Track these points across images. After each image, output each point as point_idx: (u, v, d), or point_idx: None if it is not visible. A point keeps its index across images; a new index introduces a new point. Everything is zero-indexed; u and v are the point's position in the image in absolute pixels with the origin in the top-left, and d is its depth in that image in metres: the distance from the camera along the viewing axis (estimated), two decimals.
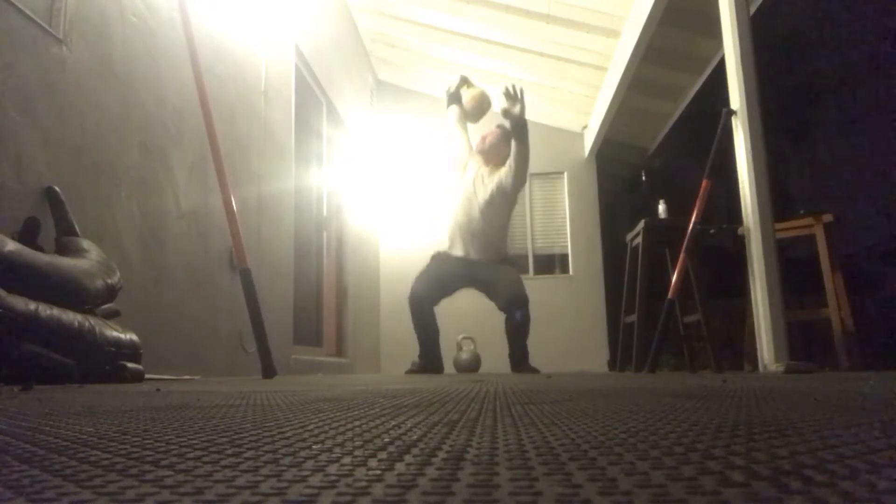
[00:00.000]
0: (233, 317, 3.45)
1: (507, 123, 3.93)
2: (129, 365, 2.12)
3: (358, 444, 0.50)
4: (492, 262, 3.93)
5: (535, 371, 3.73)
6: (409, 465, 0.40)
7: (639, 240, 4.20)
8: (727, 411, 0.77)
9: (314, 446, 0.49)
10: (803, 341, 4.38)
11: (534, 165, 7.10)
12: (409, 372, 3.97)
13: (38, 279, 1.91)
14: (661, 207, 4.50)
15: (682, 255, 3.59)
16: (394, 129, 7.81)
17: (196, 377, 2.88)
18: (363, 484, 0.34)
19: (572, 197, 7.60)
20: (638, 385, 1.62)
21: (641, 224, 4.19)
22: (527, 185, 7.59)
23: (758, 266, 3.19)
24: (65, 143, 2.34)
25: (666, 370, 5.09)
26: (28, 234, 2.08)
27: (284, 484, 0.34)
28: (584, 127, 7.46)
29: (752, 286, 3.26)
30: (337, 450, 0.47)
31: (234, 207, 2.93)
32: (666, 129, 7.12)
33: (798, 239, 3.90)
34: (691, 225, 3.56)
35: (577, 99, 6.96)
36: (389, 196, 7.69)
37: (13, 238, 1.96)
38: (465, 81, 4.22)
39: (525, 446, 0.47)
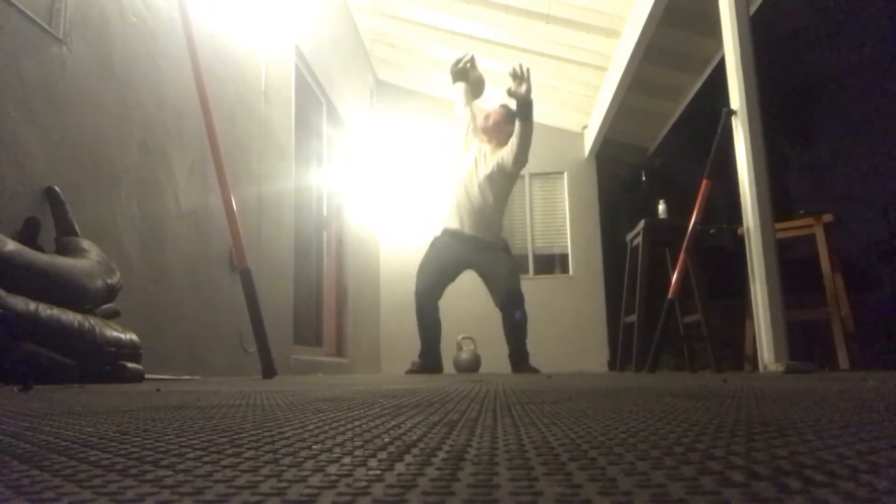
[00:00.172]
0: (233, 317, 3.45)
1: (511, 104, 3.94)
2: (129, 365, 2.12)
3: (358, 444, 0.50)
4: (488, 242, 3.94)
5: (535, 371, 3.73)
6: (409, 465, 0.40)
7: (639, 240, 4.20)
8: (727, 411, 0.77)
9: (314, 446, 0.49)
10: (803, 341, 4.38)
11: (534, 165, 7.13)
12: (410, 372, 3.97)
13: (38, 279, 1.91)
14: (661, 207, 4.50)
15: (682, 255, 3.59)
16: (394, 129, 7.81)
17: (196, 377, 2.88)
18: (363, 484, 0.34)
19: (572, 197, 7.60)
20: (638, 385, 1.62)
21: (641, 224, 4.19)
22: (527, 184, 7.64)
23: (758, 266, 3.19)
24: (65, 143, 2.34)
25: (666, 370, 5.09)
26: (28, 234, 2.08)
27: (284, 484, 0.34)
28: (584, 127, 7.46)
29: (752, 286, 3.26)
30: (337, 450, 0.47)
31: (234, 207, 2.93)
32: (666, 129, 7.13)
33: (798, 239, 3.90)
34: (691, 225, 3.56)
35: (577, 99, 6.96)
36: (389, 196, 7.69)
37: (13, 238, 1.96)
38: (474, 61, 4.22)
39: (525, 446, 0.47)
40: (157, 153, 2.94)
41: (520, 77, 3.77)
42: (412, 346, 4.07)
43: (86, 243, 2.26)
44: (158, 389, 1.58)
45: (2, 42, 2.08)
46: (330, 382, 2.21)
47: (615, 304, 6.03)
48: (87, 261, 2.17)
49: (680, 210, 4.31)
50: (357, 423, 0.68)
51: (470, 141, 4.11)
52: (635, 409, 0.80)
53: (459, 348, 6.09)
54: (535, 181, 7.70)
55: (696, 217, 3.54)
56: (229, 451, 0.47)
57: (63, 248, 2.19)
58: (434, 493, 0.31)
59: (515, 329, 3.85)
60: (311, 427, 0.64)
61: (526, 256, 7.51)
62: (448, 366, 5.12)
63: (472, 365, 5.92)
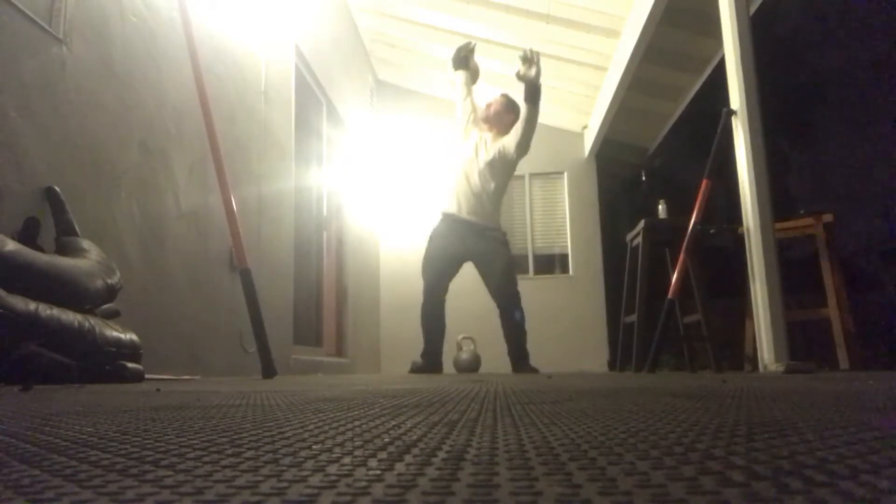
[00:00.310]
0: (233, 317, 3.45)
1: (510, 94, 4.01)
2: (129, 365, 2.12)
3: (358, 444, 0.50)
4: (485, 227, 3.94)
5: (534, 371, 3.73)
6: (409, 465, 0.40)
7: (639, 240, 4.20)
8: (727, 411, 0.77)
9: (314, 446, 0.49)
10: (803, 341, 4.38)
11: (534, 165, 7.14)
12: (413, 371, 3.97)
13: (38, 279, 1.91)
14: (661, 207, 4.50)
15: (682, 255, 3.59)
16: (394, 129, 7.81)
17: (196, 377, 2.88)
18: (363, 484, 0.34)
19: (572, 197, 7.59)
20: (638, 385, 1.62)
21: (641, 224, 4.19)
22: (527, 184, 7.64)
23: (758, 266, 3.19)
24: (65, 143, 2.34)
25: (666, 370, 5.09)
26: (28, 234, 2.08)
27: (284, 484, 0.34)
28: (584, 127, 7.46)
29: (752, 286, 3.26)
30: (337, 450, 0.47)
31: (234, 207, 2.93)
32: (666, 129, 7.13)
33: (798, 239, 3.90)
34: (691, 225, 3.56)
35: (577, 99, 6.96)
36: (389, 196, 7.69)
37: (13, 238, 1.96)
38: (472, 49, 4.23)
39: (525, 446, 0.47)
40: (157, 153, 2.94)
41: (530, 60, 3.81)
42: (412, 346, 4.06)
43: (86, 243, 2.26)
44: (158, 389, 1.58)
45: (2, 42, 2.08)
46: (330, 382, 2.21)
47: (615, 304, 6.03)
48: (87, 261, 2.17)
49: (680, 210, 4.31)
50: (357, 423, 0.68)
51: (470, 129, 4.12)
52: (635, 409, 0.80)
53: (459, 348, 6.09)
54: (535, 181, 7.69)
55: (696, 217, 3.54)
56: (229, 451, 0.47)
57: (63, 248, 2.19)
58: (434, 493, 0.31)
59: (514, 329, 3.85)
60: (311, 427, 0.64)
61: (526, 256, 7.51)
62: (448, 366, 5.12)
63: (472, 365, 5.92)
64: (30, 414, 0.85)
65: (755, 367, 3.71)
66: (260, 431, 0.60)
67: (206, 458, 0.43)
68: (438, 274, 3.95)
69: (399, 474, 0.37)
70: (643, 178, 7.01)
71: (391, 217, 7.66)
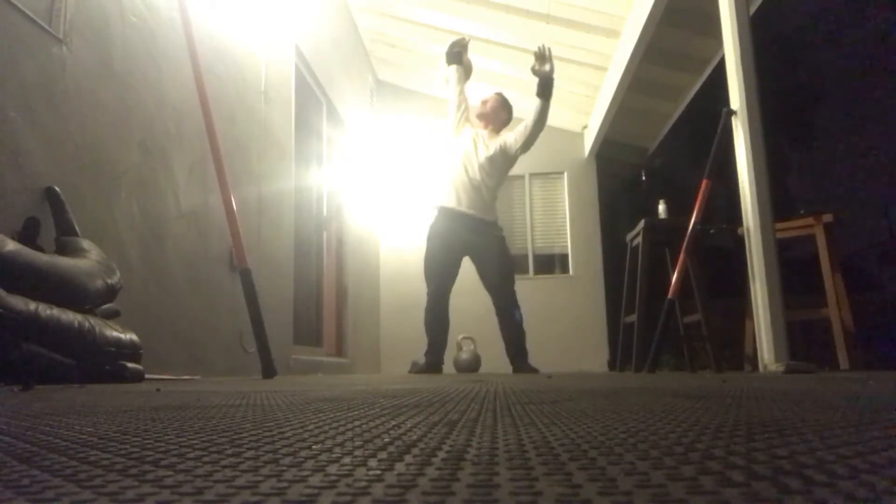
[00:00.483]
0: (233, 317, 3.45)
1: (505, 93, 4.09)
2: (129, 365, 2.12)
3: (358, 444, 0.50)
4: (484, 221, 3.95)
5: (534, 371, 3.73)
6: (409, 465, 0.40)
7: (639, 240, 4.20)
8: (727, 411, 0.77)
9: (314, 446, 0.49)
10: (803, 341, 4.38)
11: (534, 165, 7.14)
12: (413, 371, 3.96)
13: (38, 279, 1.91)
14: (661, 207, 4.50)
15: (682, 255, 3.59)
16: (394, 129, 7.81)
17: (196, 377, 2.88)
18: (363, 484, 0.34)
19: (572, 197, 7.59)
20: (638, 385, 1.62)
21: (641, 224, 4.19)
22: (527, 184, 7.64)
23: (758, 266, 3.19)
24: (65, 143, 2.34)
25: (666, 370, 5.10)
26: (28, 234, 2.08)
27: (284, 484, 0.34)
28: (584, 127, 7.46)
29: (752, 286, 3.26)
30: (337, 450, 0.47)
31: (234, 207, 2.93)
32: (666, 129, 7.13)
33: (798, 239, 3.90)
34: (691, 225, 3.56)
35: (577, 99, 6.96)
36: (389, 196, 7.69)
37: (13, 238, 1.96)
38: (466, 45, 4.24)
39: (525, 446, 0.47)
40: (157, 153, 2.94)
41: (543, 56, 3.87)
42: (412, 346, 4.06)
43: (86, 243, 2.26)
44: (158, 389, 1.58)
45: (2, 42, 2.08)
46: (330, 382, 2.21)
47: (615, 304, 6.03)
48: (87, 261, 2.17)
49: (680, 210, 4.31)
50: (357, 423, 0.68)
51: (462, 125, 4.12)
52: (635, 409, 0.80)
53: (459, 348, 6.09)
54: (535, 181, 7.69)
55: (696, 217, 3.54)
56: (229, 451, 0.47)
57: (63, 248, 2.19)
58: (434, 493, 0.31)
59: (514, 328, 3.85)
60: (311, 427, 0.64)
61: (526, 256, 7.51)
62: (448, 366, 5.12)
63: (472, 365, 5.92)
64: (30, 414, 0.85)
65: (755, 367, 3.71)
66: (260, 431, 0.60)
67: (206, 458, 0.43)
68: (442, 275, 3.94)
69: (399, 474, 0.37)
70: (643, 178, 7.02)
71: (391, 217, 7.66)
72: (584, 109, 7.09)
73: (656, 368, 3.65)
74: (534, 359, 3.87)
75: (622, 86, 5.66)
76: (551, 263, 7.69)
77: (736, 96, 3.36)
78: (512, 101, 4.30)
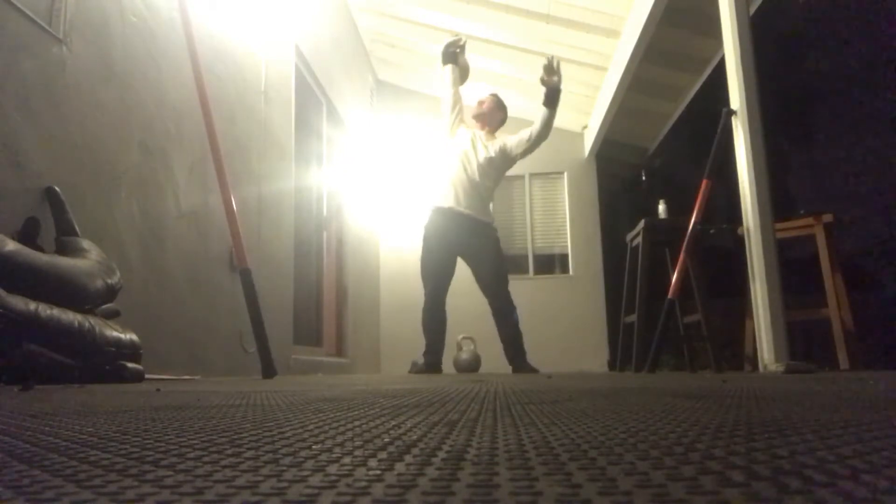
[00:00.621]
0: (233, 317, 3.45)
1: (499, 93, 4.18)
2: (129, 365, 2.12)
3: (358, 444, 0.50)
4: (481, 222, 3.96)
5: (534, 371, 3.73)
6: (409, 465, 0.40)
7: (639, 240, 4.20)
8: (727, 411, 0.77)
9: (314, 446, 0.49)
10: (803, 341, 4.38)
11: (534, 165, 7.14)
12: (413, 372, 3.96)
13: (38, 279, 1.91)
14: (661, 207, 4.50)
15: (682, 255, 3.59)
16: (394, 129, 7.81)
17: (196, 377, 2.88)
18: (363, 484, 0.34)
19: (572, 197, 7.59)
20: (638, 385, 1.62)
21: (641, 224, 4.19)
22: (527, 184, 7.64)
23: (758, 266, 3.19)
24: (65, 143, 2.34)
25: (666, 370, 5.10)
26: (28, 234, 2.08)
27: (284, 484, 0.34)
28: (584, 127, 7.46)
29: (752, 286, 3.26)
30: (337, 450, 0.47)
31: (234, 207, 2.93)
32: (666, 129, 7.13)
33: (798, 239, 3.90)
34: (691, 225, 3.56)
35: (577, 99, 6.96)
36: (389, 196, 7.69)
37: (13, 238, 1.96)
38: (464, 45, 4.24)
39: (525, 446, 0.47)
40: (157, 153, 2.94)
41: (551, 69, 3.92)
42: (412, 346, 4.06)
43: (86, 243, 2.26)
44: (158, 389, 1.58)
45: (2, 42, 2.08)
46: (330, 382, 2.21)
47: (615, 304, 6.03)
48: (87, 261, 2.17)
49: (680, 210, 4.31)
50: (357, 423, 0.68)
51: (457, 126, 4.13)
52: (635, 409, 0.80)
53: (459, 348, 6.09)
54: (535, 181, 7.69)
55: (696, 217, 3.54)
56: (229, 451, 0.47)
57: (63, 248, 2.19)
58: (434, 493, 0.31)
59: (511, 329, 3.86)
60: (311, 427, 0.64)
61: (526, 256, 7.51)
62: (448, 366, 5.12)
63: (472, 365, 5.92)
64: (30, 414, 0.85)
65: (755, 367, 3.71)
66: (260, 431, 0.60)
67: (206, 458, 0.43)
68: (440, 275, 3.94)
69: (399, 474, 0.37)
70: (643, 178, 7.02)
71: (391, 217, 7.66)
72: (584, 109, 7.09)
73: (656, 368, 3.65)
74: (534, 359, 3.87)
75: (622, 86, 5.66)
76: (551, 263, 7.69)
77: (736, 96, 3.36)
78: (511, 101, 4.31)
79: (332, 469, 0.39)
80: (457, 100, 4.14)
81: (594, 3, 5.24)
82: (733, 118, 3.37)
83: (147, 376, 2.27)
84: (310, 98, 5.46)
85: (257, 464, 0.41)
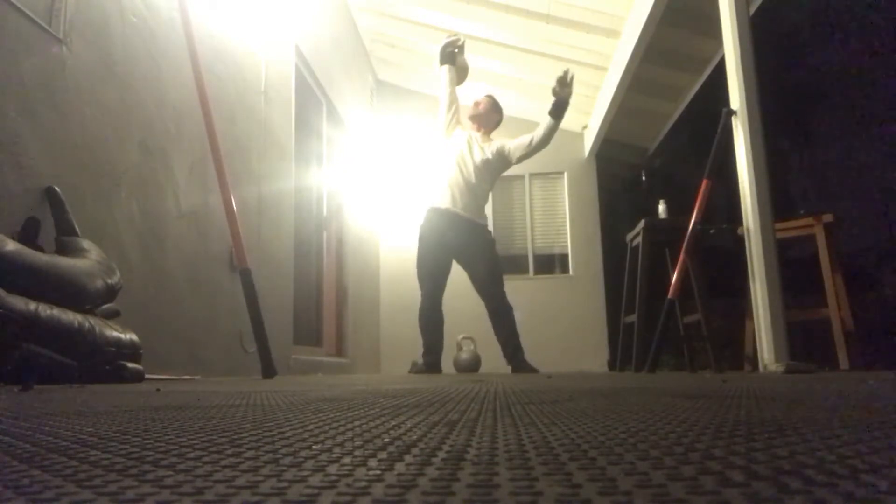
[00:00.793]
0: (233, 317, 3.45)
1: (495, 95, 4.24)
2: (129, 365, 2.12)
3: (358, 444, 0.50)
4: (475, 224, 3.96)
5: (534, 370, 3.73)
6: (409, 465, 0.40)
7: (639, 240, 4.20)
8: (727, 411, 0.77)
9: (314, 446, 0.49)
10: (803, 341, 4.38)
11: (534, 165, 7.13)
12: (413, 372, 3.96)
13: (38, 279, 1.91)
14: (661, 207, 4.50)
15: (682, 255, 3.59)
16: (394, 129, 7.81)
17: (196, 377, 2.88)
18: (363, 484, 0.34)
19: (572, 197, 7.59)
20: (638, 385, 1.62)
21: (641, 224, 4.19)
22: (527, 184, 7.64)
23: (758, 266, 3.19)
24: (65, 143, 2.34)
25: (666, 370, 5.10)
26: (28, 234, 2.08)
27: (284, 484, 0.34)
28: (584, 127, 7.46)
29: (752, 286, 3.26)
30: (337, 450, 0.47)
31: (234, 207, 2.93)
32: (666, 129, 7.13)
33: (798, 239, 3.90)
34: (691, 225, 3.56)
35: (577, 99, 6.92)
36: (389, 196, 7.69)
37: (13, 238, 1.96)
38: (463, 46, 4.24)
39: (525, 446, 0.47)
40: (157, 153, 2.94)
41: (565, 81, 3.95)
42: (412, 346, 4.06)
43: (86, 243, 2.26)
44: (158, 389, 1.58)
45: (2, 42, 2.08)
46: (330, 382, 2.21)
47: (615, 304, 6.03)
48: (87, 261, 2.17)
49: (680, 210, 4.31)
50: (357, 423, 0.68)
51: (453, 126, 4.13)
52: (635, 409, 0.80)
53: (459, 348, 6.09)
54: (535, 181, 7.69)
55: (696, 217, 3.54)
56: (229, 451, 0.47)
57: (63, 248, 2.19)
58: (434, 493, 0.31)
59: (506, 329, 3.86)
60: (311, 427, 0.64)
61: (526, 256, 7.51)
62: (448, 366, 5.12)
63: (472, 365, 5.92)
64: (30, 414, 0.85)
65: (755, 367, 3.71)
66: (260, 431, 0.60)
67: (206, 458, 0.43)
68: (436, 275, 3.94)
69: (399, 474, 0.37)
70: (643, 178, 7.01)
71: (391, 217, 7.66)
72: (584, 109, 7.09)
73: (656, 368, 3.65)
74: (534, 359, 3.87)
75: (622, 86, 5.66)
76: (551, 263, 7.69)
77: (736, 96, 3.36)
78: (510, 102, 4.31)
79: (332, 469, 0.39)
80: (453, 100, 4.14)
81: (594, 3, 5.24)
82: (733, 118, 3.37)
83: (147, 376, 2.27)
84: (310, 98, 5.46)
85: (257, 464, 0.41)
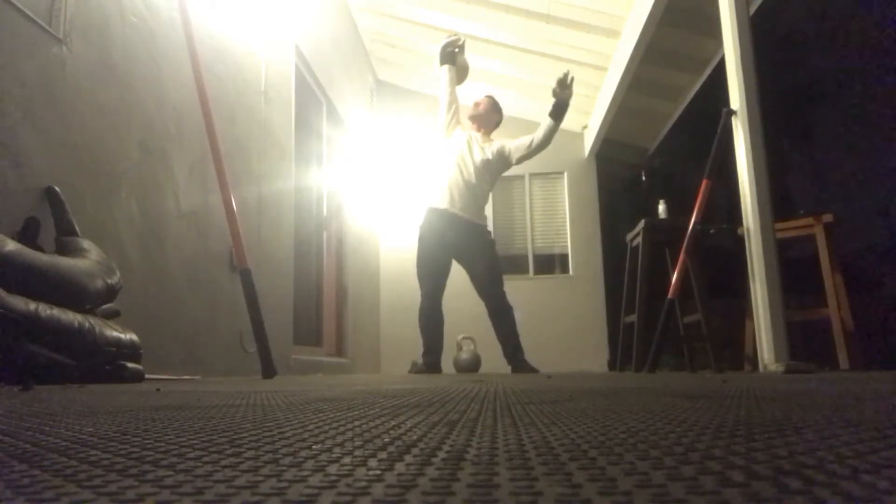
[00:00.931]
0: (233, 317, 3.45)
1: (494, 95, 4.26)
2: (129, 365, 2.12)
3: (358, 444, 0.50)
4: (475, 224, 3.97)
5: (534, 370, 3.73)
6: (409, 465, 0.40)
7: (639, 240, 4.20)
8: (727, 411, 0.77)
9: (314, 446, 0.49)
10: (803, 341, 4.38)
11: (534, 165, 7.14)
12: (413, 372, 3.96)
13: (38, 279, 1.91)
14: (661, 207, 4.50)
15: (682, 255, 3.59)
16: (394, 129, 7.81)
17: (196, 377, 2.88)
18: (363, 484, 0.34)
19: (572, 197, 7.59)
20: (638, 385, 1.62)
21: (641, 224, 4.19)
22: (527, 184, 7.64)
23: (758, 266, 3.19)
24: (65, 143, 2.34)
25: (666, 370, 5.10)
26: (28, 234, 2.08)
27: (284, 484, 0.34)
28: (584, 127, 7.46)
29: (752, 286, 3.26)
30: (337, 450, 0.47)
31: (234, 207, 2.93)
32: (666, 129, 7.13)
33: (798, 239, 3.90)
34: (691, 225, 3.56)
35: (577, 99, 6.92)
36: (389, 196, 7.69)
37: (13, 238, 1.96)
38: (463, 46, 4.24)
39: (525, 446, 0.47)
40: (157, 153, 2.94)
41: (565, 83, 3.95)
42: (412, 346, 4.06)
43: (86, 243, 2.26)
44: (158, 389, 1.58)
45: (2, 42, 2.08)
46: (330, 382, 2.21)
47: (615, 304, 6.03)
48: (87, 261, 2.17)
49: (680, 210, 4.31)
50: (357, 423, 0.68)
51: (453, 127, 4.13)
52: (635, 409, 0.80)
53: (459, 348, 6.09)
54: (535, 181, 7.69)
55: (696, 217, 3.54)
56: (229, 451, 0.47)
57: (63, 248, 2.19)
58: (434, 493, 0.31)
59: (506, 329, 3.86)
60: (311, 427, 0.64)
61: (526, 256, 7.51)
62: (448, 366, 5.12)
63: (472, 365, 5.92)
64: (30, 414, 0.85)
65: (755, 367, 3.71)
66: (260, 431, 0.60)
67: (206, 458, 0.43)
68: (436, 275, 3.95)
69: (399, 474, 0.37)
70: (643, 178, 7.01)
71: (391, 217, 7.66)
72: (584, 109, 7.10)
73: (656, 368, 3.66)
74: (534, 359, 3.87)
75: (622, 86, 5.66)
76: (551, 263, 7.69)
77: (736, 96, 3.36)
78: (510, 102, 4.31)
79: (332, 469, 0.39)
80: (453, 100, 4.14)
81: (594, 3, 5.24)
82: (733, 118, 3.37)
83: (147, 376, 2.27)
84: (310, 98, 5.46)
85: (257, 464, 0.41)
